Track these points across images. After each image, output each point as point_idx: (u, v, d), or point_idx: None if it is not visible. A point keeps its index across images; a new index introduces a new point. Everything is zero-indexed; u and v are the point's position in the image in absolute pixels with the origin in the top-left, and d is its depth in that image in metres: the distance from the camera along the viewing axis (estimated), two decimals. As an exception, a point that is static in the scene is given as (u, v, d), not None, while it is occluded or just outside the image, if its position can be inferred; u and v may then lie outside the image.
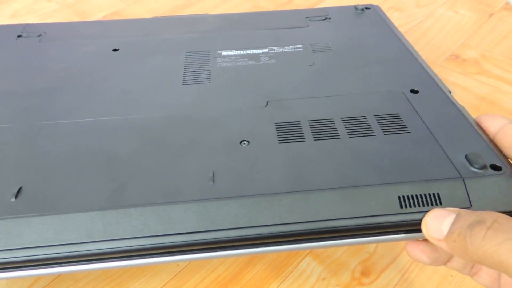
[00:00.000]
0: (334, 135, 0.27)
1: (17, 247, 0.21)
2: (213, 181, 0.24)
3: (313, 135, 0.27)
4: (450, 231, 0.20)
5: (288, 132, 0.27)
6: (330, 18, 0.43)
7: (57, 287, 0.32)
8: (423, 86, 0.31)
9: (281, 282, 0.32)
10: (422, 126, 0.27)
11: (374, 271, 0.33)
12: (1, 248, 0.21)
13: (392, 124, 0.28)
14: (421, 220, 0.22)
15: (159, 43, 0.39)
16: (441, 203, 0.23)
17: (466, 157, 0.25)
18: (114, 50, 0.38)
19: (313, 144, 0.26)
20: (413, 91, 0.31)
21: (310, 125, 0.28)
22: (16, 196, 0.23)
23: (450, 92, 0.31)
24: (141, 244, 0.22)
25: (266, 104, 0.30)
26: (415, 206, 0.23)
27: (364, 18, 0.43)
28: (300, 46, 0.38)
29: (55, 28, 0.42)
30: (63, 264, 0.22)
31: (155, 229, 0.22)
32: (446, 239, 0.20)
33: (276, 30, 0.41)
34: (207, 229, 0.22)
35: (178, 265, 0.33)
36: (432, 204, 0.23)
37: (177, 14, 0.63)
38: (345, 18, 0.43)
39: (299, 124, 0.28)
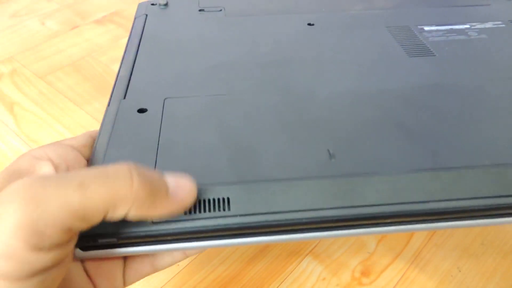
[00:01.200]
0: None
1: (358, 205, 0.21)
2: None
3: None
4: None
5: None
6: None
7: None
8: None
9: (281, 282, 0.32)
10: None
11: (374, 271, 0.33)
12: (345, 205, 0.21)
13: None
14: None
15: (350, 18, 0.38)
16: None
17: None
18: (309, 24, 0.37)
19: None
20: None
21: None
22: (333, 157, 0.23)
23: None
24: (480, 204, 0.21)
25: None
26: None
27: None
28: (500, 22, 0.37)
29: (231, 3, 0.41)
30: (401, 224, 0.22)
31: (492, 190, 0.22)
32: None
33: (460, 7, 0.40)
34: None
35: (178, 265, 0.33)
36: None
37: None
38: None
39: None
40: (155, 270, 0.24)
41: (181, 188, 0.19)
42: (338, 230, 0.22)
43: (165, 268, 0.24)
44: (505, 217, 0.22)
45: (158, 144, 0.24)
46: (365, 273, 0.33)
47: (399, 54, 0.33)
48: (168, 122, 0.26)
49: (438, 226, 0.22)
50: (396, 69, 0.31)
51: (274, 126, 0.25)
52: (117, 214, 0.18)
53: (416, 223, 0.22)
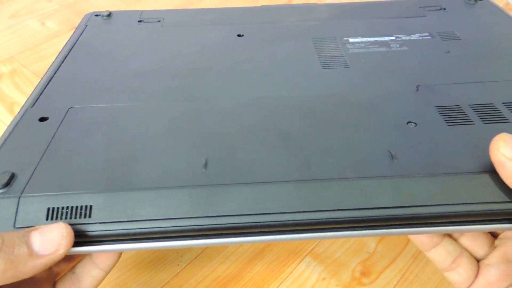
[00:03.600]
0: (503, 119, 0.27)
1: (218, 215, 0.21)
2: (395, 158, 0.24)
3: (480, 118, 0.27)
4: None
5: (452, 115, 0.27)
6: (445, 9, 0.42)
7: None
8: None
9: (281, 282, 0.32)
10: None
11: (374, 271, 0.33)
12: (204, 215, 0.21)
13: None
14: None
15: (280, 29, 0.39)
16: None
17: None
18: (239, 35, 0.38)
19: (485, 127, 0.26)
20: None
21: (473, 109, 0.28)
22: (206, 167, 0.23)
23: None
24: (339, 216, 0.22)
25: (416, 89, 0.30)
26: None
27: (479, 9, 0.42)
28: (427, 34, 0.38)
29: (171, 15, 0.43)
30: (262, 234, 0.22)
31: (352, 203, 0.22)
32: None
33: (394, 19, 0.41)
34: (403, 205, 0.22)
35: (178, 265, 0.33)
36: None
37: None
38: (460, 8, 0.42)
39: (461, 108, 0.28)
40: None
41: (49, 243, 0.20)
42: (198, 239, 0.22)
43: None
44: (363, 229, 0.23)
45: (44, 152, 0.25)
46: (365, 273, 0.33)
47: (314, 66, 0.34)
48: (64, 131, 0.27)
49: (296, 237, 0.23)
50: (305, 80, 0.32)
51: (163, 136, 0.26)
52: None
53: (275, 234, 0.22)
